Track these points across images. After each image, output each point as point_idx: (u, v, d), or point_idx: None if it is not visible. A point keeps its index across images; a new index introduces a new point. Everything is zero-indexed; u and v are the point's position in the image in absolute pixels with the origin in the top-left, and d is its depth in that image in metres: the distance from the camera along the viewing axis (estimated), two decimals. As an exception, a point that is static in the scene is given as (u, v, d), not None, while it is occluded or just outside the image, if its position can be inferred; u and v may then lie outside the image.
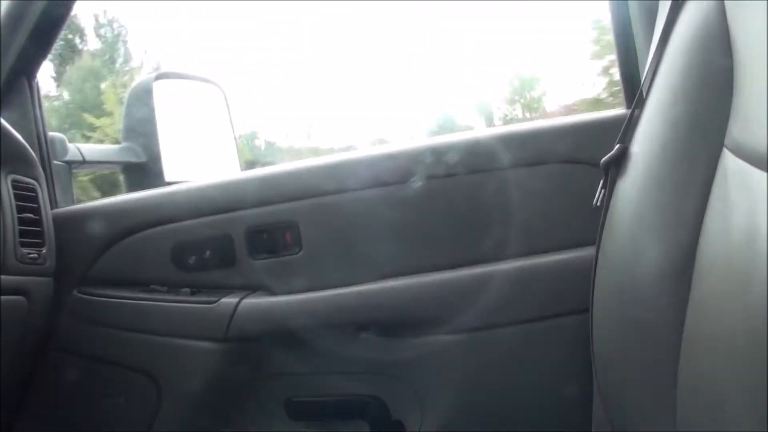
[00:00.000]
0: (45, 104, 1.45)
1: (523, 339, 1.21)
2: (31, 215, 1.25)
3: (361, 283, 1.26)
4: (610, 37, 1.27)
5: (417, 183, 1.24)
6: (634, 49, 1.20)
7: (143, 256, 1.34)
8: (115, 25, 7.44)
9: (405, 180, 1.25)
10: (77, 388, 1.35)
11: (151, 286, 1.33)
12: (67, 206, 1.42)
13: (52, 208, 1.35)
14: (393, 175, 1.26)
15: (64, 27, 1.39)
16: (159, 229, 1.33)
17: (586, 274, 0.95)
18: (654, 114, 0.85)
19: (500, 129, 1.30)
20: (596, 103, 3.09)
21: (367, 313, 1.26)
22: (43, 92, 1.44)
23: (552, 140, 1.25)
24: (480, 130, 1.30)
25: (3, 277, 1.16)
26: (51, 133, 1.44)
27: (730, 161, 0.68)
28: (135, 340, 1.32)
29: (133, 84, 1.70)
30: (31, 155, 1.30)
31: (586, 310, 0.96)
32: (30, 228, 1.24)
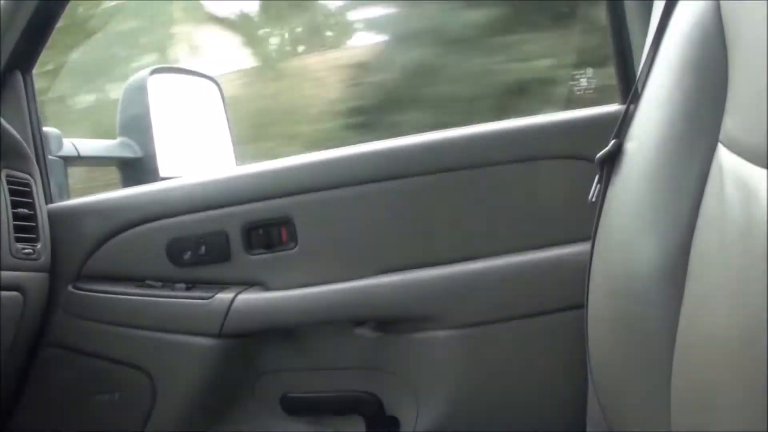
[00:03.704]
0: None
1: (518, 335, 1.21)
2: (25, 210, 1.24)
3: (356, 278, 1.26)
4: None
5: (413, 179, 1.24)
6: (630, 45, 1.20)
7: (138, 251, 1.34)
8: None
9: (401, 175, 1.25)
10: (72, 384, 1.35)
11: (146, 282, 1.33)
12: (62, 201, 1.41)
13: (46, 203, 1.34)
14: (389, 170, 1.26)
15: (59, 21, 1.39)
16: (154, 224, 1.33)
17: (582, 270, 0.95)
18: (649, 110, 0.85)
19: (495, 124, 1.30)
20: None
21: (362, 308, 1.26)
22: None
23: (547, 136, 1.25)
24: (475, 126, 1.30)
25: None
26: (45, 128, 1.43)
27: (725, 157, 0.68)
28: (130, 336, 1.32)
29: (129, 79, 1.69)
30: (26, 150, 1.30)
31: (581, 306, 0.96)
32: (24, 223, 1.24)
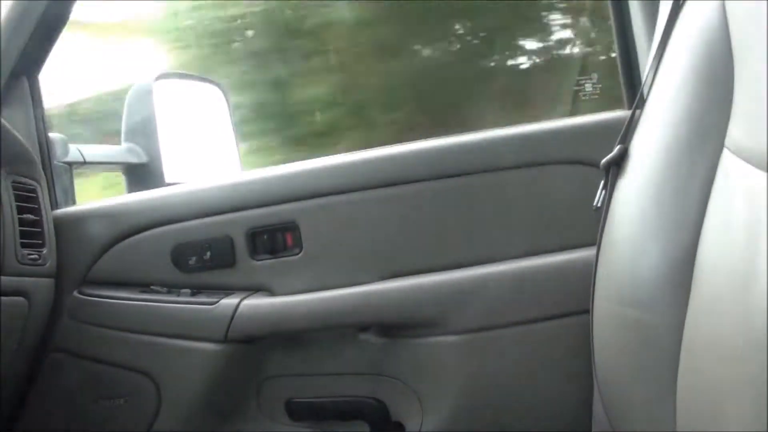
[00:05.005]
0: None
1: (523, 340, 1.21)
2: (31, 216, 1.25)
3: (361, 284, 1.26)
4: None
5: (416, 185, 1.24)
6: (635, 50, 1.20)
7: (143, 257, 1.34)
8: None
9: (405, 181, 1.25)
10: (77, 389, 1.35)
11: (152, 287, 1.33)
12: (68, 207, 1.41)
13: (52, 209, 1.35)
14: (393, 176, 1.26)
15: (66, 26, 1.39)
16: (159, 229, 1.33)
17: (587, 275, 0.95)
18: (654, 115, 0.85)
19: (501, 130, 1.30)
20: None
21: (367, 314, 1.26)
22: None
23: (552, 141, 1.25)
24: (481, 131, 1.30)
25: (3, 278, 1.16)
26: (52, 134, 1.44)
27: (730, 162, 0.68)
28: (135, 342, 1.32)
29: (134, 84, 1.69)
30: (32, 156, 1.30)
31: (586, 311, 0.96)
32: (30, 229, 1.24)
